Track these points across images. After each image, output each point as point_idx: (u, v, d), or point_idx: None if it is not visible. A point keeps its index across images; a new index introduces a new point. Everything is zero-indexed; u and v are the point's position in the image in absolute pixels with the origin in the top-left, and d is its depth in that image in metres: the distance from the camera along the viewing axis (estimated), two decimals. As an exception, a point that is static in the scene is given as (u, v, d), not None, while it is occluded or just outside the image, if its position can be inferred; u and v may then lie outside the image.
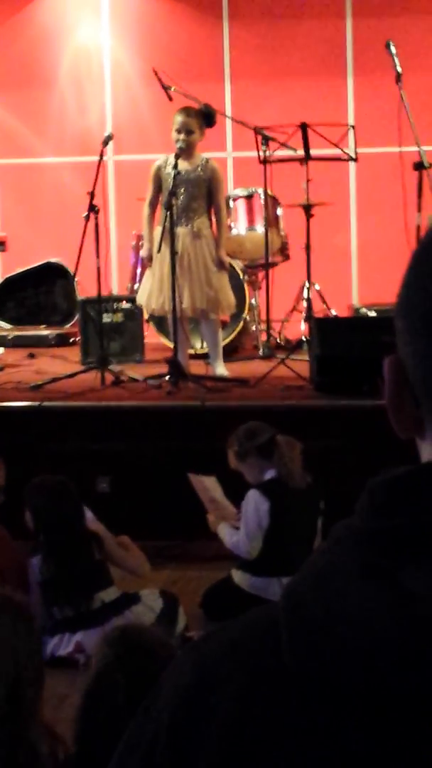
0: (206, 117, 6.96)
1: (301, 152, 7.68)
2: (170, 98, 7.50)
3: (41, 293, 9.80)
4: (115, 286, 9.72)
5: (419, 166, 6.63)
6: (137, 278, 8.88)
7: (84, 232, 6.71)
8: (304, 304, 7.97)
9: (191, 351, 7.25)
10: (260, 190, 8.16)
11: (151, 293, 6.94)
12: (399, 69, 6.88)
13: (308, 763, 0.72)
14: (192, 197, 6.90)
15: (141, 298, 7.12)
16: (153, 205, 6.96)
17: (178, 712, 0.79)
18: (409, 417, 0.82)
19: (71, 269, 7.64)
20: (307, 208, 7.87)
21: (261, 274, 8.38)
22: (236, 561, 4.94)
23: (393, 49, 6.98)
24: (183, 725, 0.78)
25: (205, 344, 7.47)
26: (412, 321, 0.80)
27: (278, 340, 8.39)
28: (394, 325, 0.83)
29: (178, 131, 6.81)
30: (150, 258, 6.91)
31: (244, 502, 4.81)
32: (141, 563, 4.85)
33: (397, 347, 0.82)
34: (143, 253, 7.02)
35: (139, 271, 8.87)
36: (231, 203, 8.19)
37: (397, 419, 0.83)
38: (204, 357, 7.28)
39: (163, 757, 0.78)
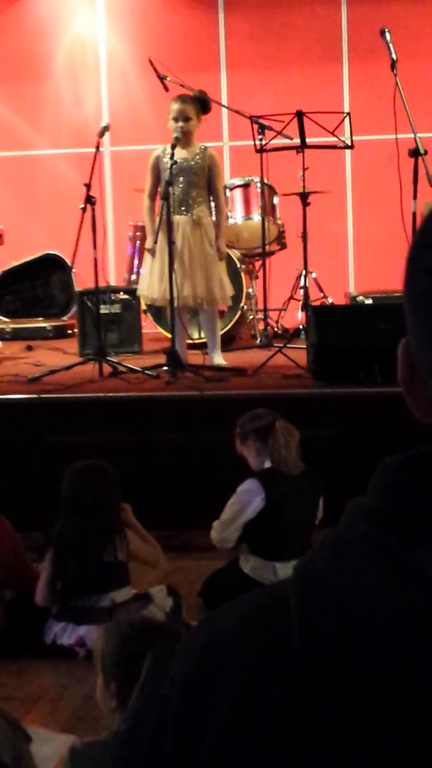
0: (202, 103, 6.95)
1: (297, 140, 7.66)
2: (166, 88, 7.48)
3: (38, 285, 9.80)
4: (113, 277, 9.71)
5: (415, 153, 6.61)
6: (135, 269, 8.88)
7: (81, 223, 6.70)
8: (301, 292, 7.95)
9: (189, 341, 7.24)
10: (257, 179, 8.15)
11: (152, 283, 6.92)
12: (394, 56, 6.85)
13: (311, 741, 0.72)
14: (191, 185, 6.88)
15: (142, 289, 7.11)
16: (152, 197, 6.89)
17: (187, 686, 0.79)
18: (422, 399, 0.80)
19: (68, 261, 7.64)
20: (304, 197, 7.85)
21: (258, 263, 8.38)
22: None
23: (388, 37, 6.95)
24: (192, 699, 0.78)
25: (202, 333, 7.46)
26: (413, 299, 0.79)
27: (276, 329, 8.39)
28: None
29: (175, 119, 6.78)
30: (154, 250, 6.89)
31: (240, 488, 4.81)
32: (158, 557, 4.85)
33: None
34: (147, 245, 6.98)
35: (136, 262, 8.87)
36: (227, 192, 8.17)
37: (412, 402, 0.80)
38: (201, 346, 7.28)
39: (172, 730, 0.79)
